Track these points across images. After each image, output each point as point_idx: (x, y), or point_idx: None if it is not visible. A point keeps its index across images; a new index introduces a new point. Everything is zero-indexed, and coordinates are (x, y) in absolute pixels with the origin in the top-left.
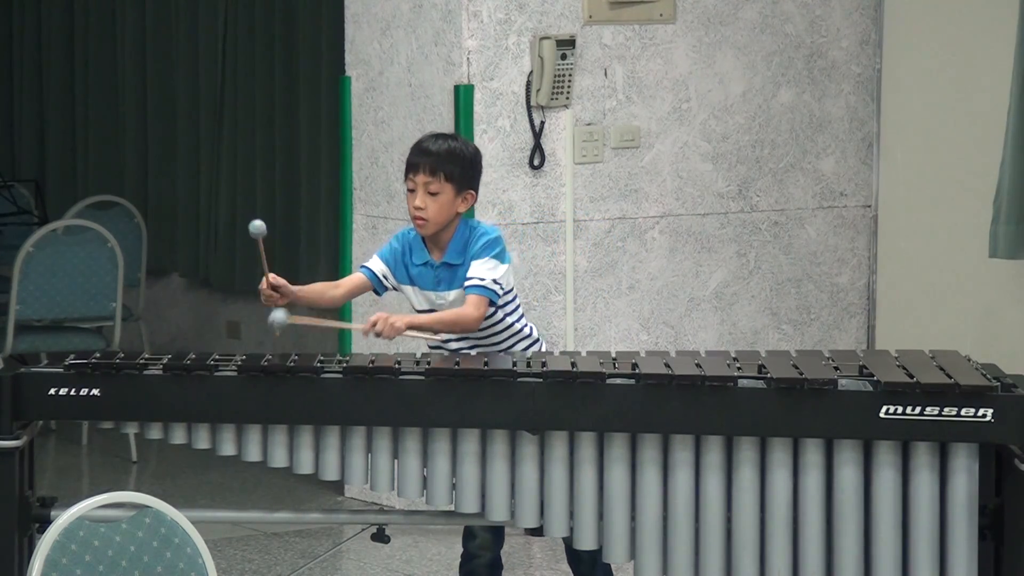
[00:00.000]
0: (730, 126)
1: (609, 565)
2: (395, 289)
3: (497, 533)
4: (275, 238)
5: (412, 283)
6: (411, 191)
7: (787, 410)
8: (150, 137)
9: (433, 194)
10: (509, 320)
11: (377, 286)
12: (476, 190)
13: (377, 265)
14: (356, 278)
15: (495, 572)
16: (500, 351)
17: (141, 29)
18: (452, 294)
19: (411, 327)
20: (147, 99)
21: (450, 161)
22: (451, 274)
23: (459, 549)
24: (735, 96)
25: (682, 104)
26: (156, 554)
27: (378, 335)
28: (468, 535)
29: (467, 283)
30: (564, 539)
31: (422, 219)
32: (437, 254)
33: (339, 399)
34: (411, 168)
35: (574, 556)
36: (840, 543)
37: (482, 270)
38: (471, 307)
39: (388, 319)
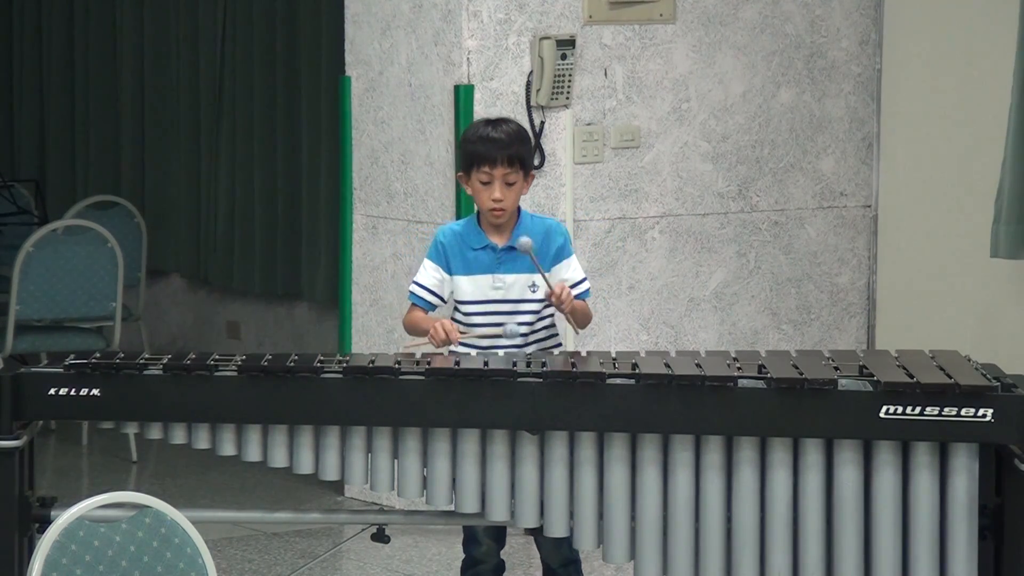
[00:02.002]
0: (730, 126)
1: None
2: (443, 303)
3: (500, 538)
4: (275, 238)
5: (467, 271)
6: (485, 184)
7: (787, 410)
8: (150, 137)
9: (510, 184)
10: (552, 318)
11: (428, 308)
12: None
13: (423, 291)
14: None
15: (499, 575)
16: (546, 349)
17: (140, 29)
18: (511, 277)
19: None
20: (147, 99)
21: (520, 147)
22: (512, 258)
23: (459, 549)
24: (735, 96)
25: (682, 104)
26: (156, 554)
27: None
28: (470, 540)
29: (575, 291)
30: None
31: (501, 210)
32: (498, 238)
33: (339, 399)
34: (485, 160)
35: (539, 542)
36: (840, 543)
37: (577, 272)
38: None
39: (570, 295)
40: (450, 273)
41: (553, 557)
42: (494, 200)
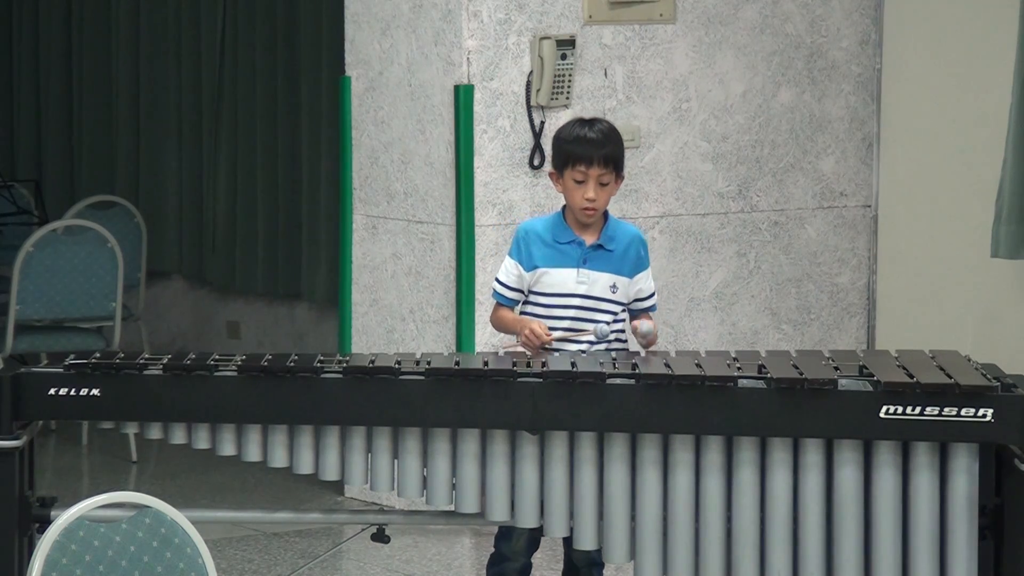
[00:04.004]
0: (730, 126)
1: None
2: (525, 296)
3: (535, 539)
4: (275, 238)
5: (553, 264)
6: (579, 183)
7: (787, 410)
8: (150, 137)
9: (603, 184)
10: (624, 324)
11: (511, 305)
12: None
13: (506, 290)
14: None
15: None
16: (619, 350)
17: (138, 29)
18: (596, 274)
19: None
20: (146, 99)
21: (615, 148)
22: (599, 256)
23: (459, 549)
24: (735, 96)
25: (682, 104)
26: (156, 554)
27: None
28: (503, 536)
29: (648, 303)
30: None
31: (593, 210)
32: (586, 236)
33: (339, 399)
34: (582, 160)
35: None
36: (840, 543)
37: (650, 285)
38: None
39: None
40: (532, 266)
41: (580, 556)
42: (587, 199)
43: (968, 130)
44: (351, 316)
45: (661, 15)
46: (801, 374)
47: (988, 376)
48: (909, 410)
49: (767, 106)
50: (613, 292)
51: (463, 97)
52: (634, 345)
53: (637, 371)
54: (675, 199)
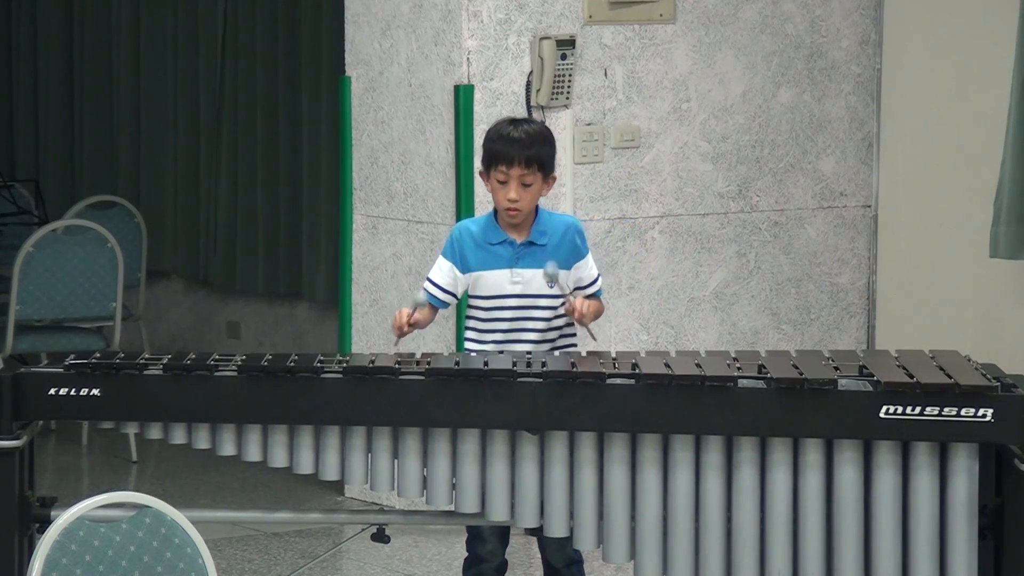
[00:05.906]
0: (730, 126)
1: (580, 555)
2: (456, 299)
3: (504, 537)
4: (276, 238)
5: (485, 266)
6: (502, 183)
7: (787, 410)
8: (150, 137)
9: (527, 185)
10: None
11: (441, 306)
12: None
13: (437, 289)
14: (429, 308)
15: (502, 574)
16: (564, 348)
17: (138, 29)
18: (529, 272)
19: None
20: (146, 99)
21: (540, 149)
22: (532, 253)
23: (459, 549)
24: (735, 96)
25: (682, 104)
26: (156, 554)
27: (580, 319)
28: (475, 538)
29: (591, 289)
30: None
31: (516, 210)
32: (517, 235)
33: (339, 399)
34: (503, 160)
35: (542, 543)
36: (840, 543)
37: (591, 271)
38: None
39: (589, 311)
40: (467, 269)
41: (556, 557)
42: (509, 200)
43: (968, 130)
44: (351, 316)
45: (661, 15)
46: (801, 374)
47: (988, 376)
48: (909, 410)
49: (767, 106)
50: (551, 287)
51: (463, 97)
52: (583, 343)
53: (637, 371)
54: (675, 199)
